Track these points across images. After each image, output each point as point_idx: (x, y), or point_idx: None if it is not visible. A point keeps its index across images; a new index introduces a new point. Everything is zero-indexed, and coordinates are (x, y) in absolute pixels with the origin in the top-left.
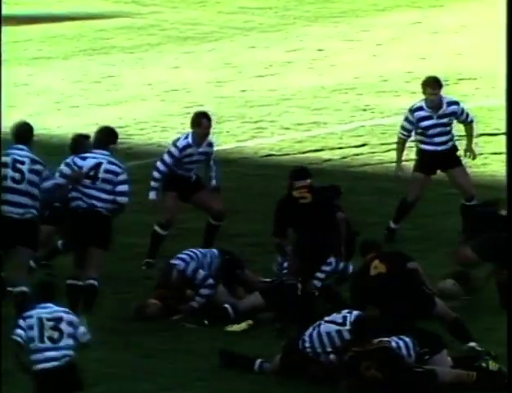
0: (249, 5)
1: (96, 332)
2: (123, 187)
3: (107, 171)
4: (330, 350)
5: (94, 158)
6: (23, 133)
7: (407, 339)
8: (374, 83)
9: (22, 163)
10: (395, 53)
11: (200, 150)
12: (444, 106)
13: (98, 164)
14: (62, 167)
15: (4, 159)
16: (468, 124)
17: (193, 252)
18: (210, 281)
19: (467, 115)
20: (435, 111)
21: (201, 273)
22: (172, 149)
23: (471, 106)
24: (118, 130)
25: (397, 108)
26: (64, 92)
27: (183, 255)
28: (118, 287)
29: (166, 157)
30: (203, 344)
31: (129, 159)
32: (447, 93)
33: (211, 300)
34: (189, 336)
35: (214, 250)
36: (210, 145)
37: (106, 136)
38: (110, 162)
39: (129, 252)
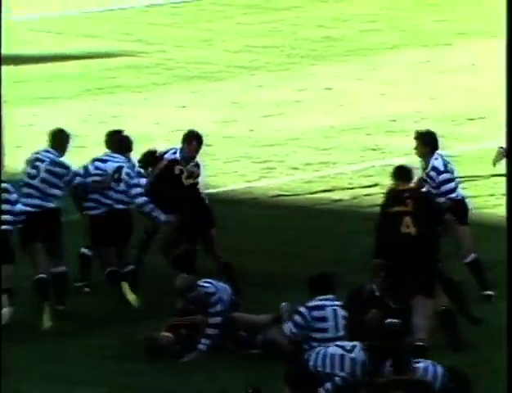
0: (255, 43)
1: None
2: (138, 190)
3: (127, 174)
4: (329, 371)
5: (115, 162)
6: (56, 138)
7: (440, 368)
8: (383, 123)
9: (42, 161)
10: (404, 92)
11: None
12: None
13: (120, 168)
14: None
15: (30, 157)
16: None
17: (216, 283)
18: (218, 319)
19: None
20: None
21: (219, 307)
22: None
23: (481, 146)
24: None
25: (407, 148)
26: (70, 132)
27: (212, 282)
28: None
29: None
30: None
31: None
32: (457, 133)
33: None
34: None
35: (229, 289)
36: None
37: (128, 143)
38: (129, 167)
39: None
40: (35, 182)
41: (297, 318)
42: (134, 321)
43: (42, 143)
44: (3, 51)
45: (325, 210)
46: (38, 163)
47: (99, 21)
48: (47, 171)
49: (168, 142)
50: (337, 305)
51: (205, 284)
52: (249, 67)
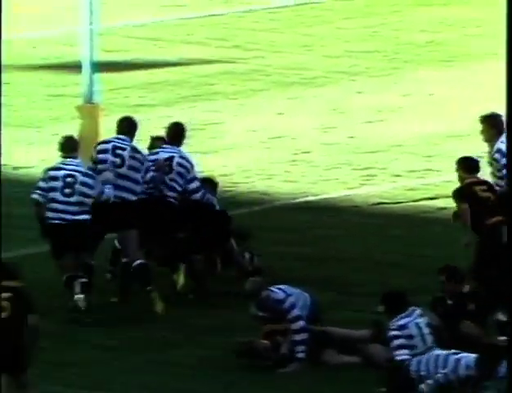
0: (355, 48)
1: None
2: (195, 184)
3: (179, 164)
4: (433, 372)
5: (166, 152)
6: (125, 125)
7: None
8: None
9: (123, 149)
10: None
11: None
12: None
13: (171, 158)
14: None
15: (104, 146)
16: None
17: (288, 288)
18: (301, 323)
19: None
20: None
21: (295, 311)
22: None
23: None
24: (222, 178)
25: None
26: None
27: (283, 288)
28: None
29: None
30: None
31: (233, 207)
32: None
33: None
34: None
35: (306, 295)
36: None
37: (182, 131)
38: (181, 157)
39: None
40: (123, 170)
41: (399, 341)
42: (229, 331)
43: None
44: (100, 58)
45: (430, 218)
46: (119, 151)
47: (195, 28)
48: (131, 158)
49: (267, 150)
50: (417, 319)
51: (275, 290)
52: (350, 72)
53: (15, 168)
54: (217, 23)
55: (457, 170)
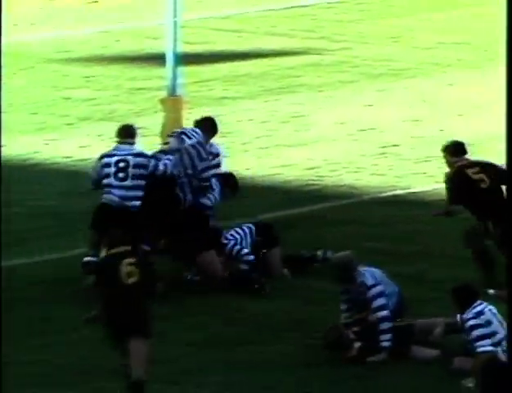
0: (446, 40)
1: None
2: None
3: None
4: None
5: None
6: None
7: None
8: None
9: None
10: None
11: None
12: None
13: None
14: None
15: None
16: None
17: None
18: (385, 312)
19: None
20: None
21: (381, 300)
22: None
23: None
24: (308, 172)
25: None
26: (251, 133)
27: (375, 272)
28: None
29: None
30: None
31: (319, 201)
32: None
33: None
34: None
35: (396, 286)
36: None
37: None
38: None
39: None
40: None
41: (478, 332)
42: (308, 325)
43: (224, 144)
44: (183, 51)
45: None
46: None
47: (280, 19)
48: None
49: (355, 143)
50: (489, 306)
51: (366, 273)
52: (440, 64)
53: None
54: (304, 14)
55: (444, 157)
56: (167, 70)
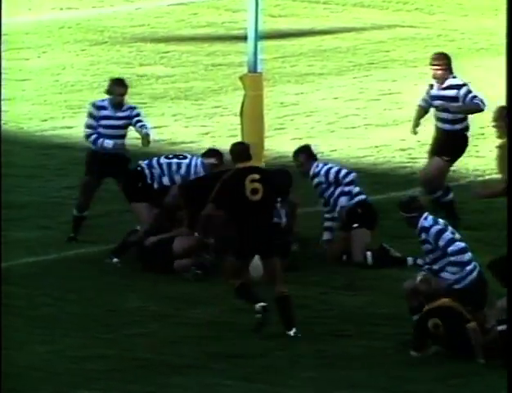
0: None
1: None
2: None
3: None
4: None
5: None
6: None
7: None
8: None
9: None
10: None
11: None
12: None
13: None
14: None
15: None
16: None
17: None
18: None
19: None
20: None
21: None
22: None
23: None
24: (399, 153)
25: None
26: (337, 111)
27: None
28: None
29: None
30: None
31: (412, 185)
32: None
33: None
34: None
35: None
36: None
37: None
38: None
39: None
40: None
41: None
42: (399, 320)
43: (308, 124)
44: (265, 25)
45: None
46: None
47: None
48: None
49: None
50: None
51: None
52: None
53: (172, 143)
54: None
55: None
56: (247, 45)
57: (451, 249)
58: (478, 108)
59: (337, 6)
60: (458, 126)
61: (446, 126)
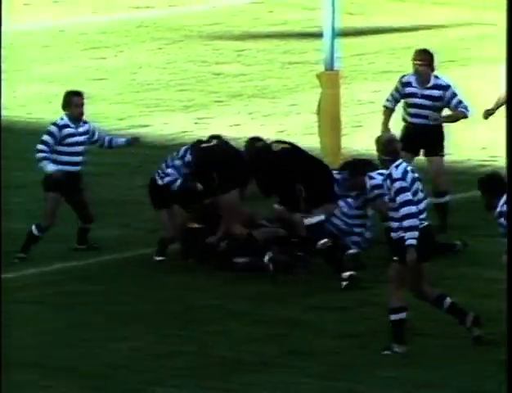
0: None
1: None
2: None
3: None
4: None
5: None
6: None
7: None
8: None
9: None
10: None
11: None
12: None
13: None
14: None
15: None
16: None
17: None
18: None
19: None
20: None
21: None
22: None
23: None
24: (480, 152)
25: None
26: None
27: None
28: None
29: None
30: None
31: None
32: None
33: None
34: None
35: None
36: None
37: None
38: None
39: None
40: None
41: None
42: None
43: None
44: (342, 22)
45: None
46: None
47: None
48: None
49: None
50: None
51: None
52: None
53: None
54: None
55: None
56: (324, 43)
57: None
58: (464, 116)
59: (414, 3)
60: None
61: (428, 122)
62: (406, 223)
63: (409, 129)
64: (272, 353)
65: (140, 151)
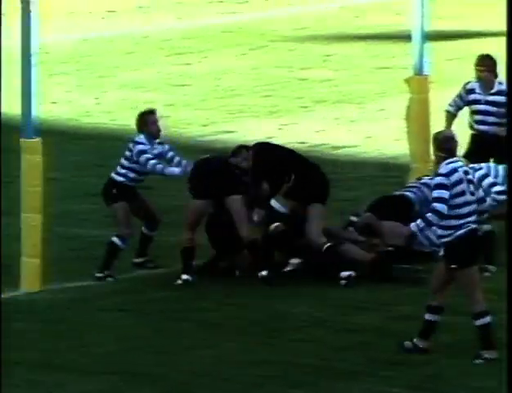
0: None
1: None
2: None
3: None
4: None
5: None
6: None
7: None
8: None
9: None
10: None
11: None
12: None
13: None
14: None
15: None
16: None
17: None
18: None
19: None
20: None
21: None
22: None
23: None
24: None
25: None
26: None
27: None
28: None
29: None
30: None
31: None
32: None
33: None
34: None
35: None
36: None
37: None
38: None
39: None
40: None
41: None
42: None
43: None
44: (433, 25)
45: None
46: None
47: None
48: None
49: None
50: None
51: None
52: None
53: (334, 147)
54: None
55: None
56: (413, 47)
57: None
58: None
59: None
60: (503, 130)
61: (493, 129)
62: (429, 215)
63: (476, 137)
64: (359, 361)
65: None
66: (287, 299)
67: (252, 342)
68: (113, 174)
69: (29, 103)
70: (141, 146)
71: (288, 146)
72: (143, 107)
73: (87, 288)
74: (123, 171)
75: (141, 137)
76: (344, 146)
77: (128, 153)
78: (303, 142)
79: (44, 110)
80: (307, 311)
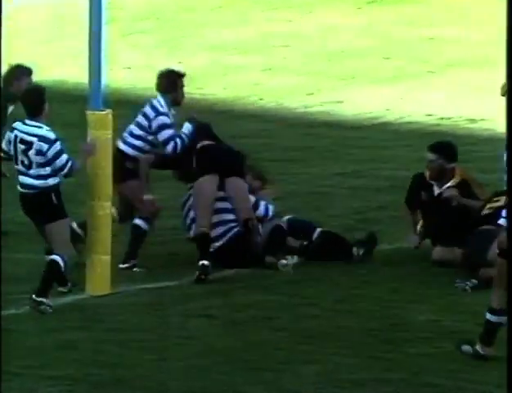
0: None
1: None
2: None
3: None
4: None
5: None
6: None
7: None
8: None
9: None
10: None
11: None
12: None
13: None
14: None
15: None
16: None
17: None
18: None
19: None
20: None
21: None
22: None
23: None
24: None
25: None
26: None
27: None
28: None
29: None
30: None
31: None
32: None
33: None
34: None
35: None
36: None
37: None
38: None
39: None
40: None
41: None
42: None
43: None
44: None
45: None
46: None
47: None
48: None
49: None
50: None
51: None
52: None
53: (469, 120)
54: None
55: None
56: None
57: None
58: None
59: None
60: None
61: None
62: None
63: None
64: (492, 380)
65: (332, 133)
66: (408, 304)
67: (364, 356)
68: (122, 146)
69: (98, 69)
70: (164, 118)
71: (410, 118)
72: (234, 73)
73: (166, 289)
74: (137, 143)
75: (163, 104)
76: (482, 119)
77: (144, 121)
78: (430, 114)
79: (116, 77)
80: (432, 319)
